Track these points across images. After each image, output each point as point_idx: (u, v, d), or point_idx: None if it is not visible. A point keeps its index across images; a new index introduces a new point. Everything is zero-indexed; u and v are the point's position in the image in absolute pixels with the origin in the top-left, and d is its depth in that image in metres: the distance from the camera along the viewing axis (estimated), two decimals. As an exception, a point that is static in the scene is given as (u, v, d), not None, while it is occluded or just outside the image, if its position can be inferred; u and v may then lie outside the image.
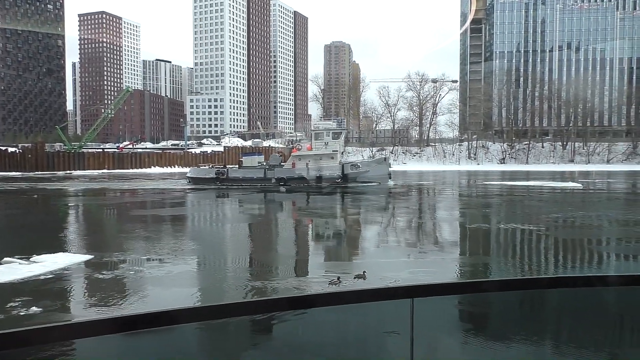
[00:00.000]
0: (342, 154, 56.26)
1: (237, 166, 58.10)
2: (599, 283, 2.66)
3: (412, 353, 2.22)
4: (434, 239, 20.49)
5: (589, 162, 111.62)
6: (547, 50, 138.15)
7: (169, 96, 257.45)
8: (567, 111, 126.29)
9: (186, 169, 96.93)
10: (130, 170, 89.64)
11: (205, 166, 62.02)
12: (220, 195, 42.96)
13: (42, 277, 12.11)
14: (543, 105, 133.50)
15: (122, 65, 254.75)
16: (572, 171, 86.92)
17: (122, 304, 10.51)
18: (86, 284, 12.49)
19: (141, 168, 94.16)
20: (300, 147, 53.52)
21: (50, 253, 14.26)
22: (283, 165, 52.32)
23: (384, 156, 63.05)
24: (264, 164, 54.09)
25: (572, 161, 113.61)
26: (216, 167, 55.81)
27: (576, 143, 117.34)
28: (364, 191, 43.62)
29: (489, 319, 2.77)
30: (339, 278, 12.12)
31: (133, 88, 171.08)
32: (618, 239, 19.69)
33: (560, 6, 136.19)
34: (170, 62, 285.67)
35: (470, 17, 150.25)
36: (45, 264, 13.04)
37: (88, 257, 14.60)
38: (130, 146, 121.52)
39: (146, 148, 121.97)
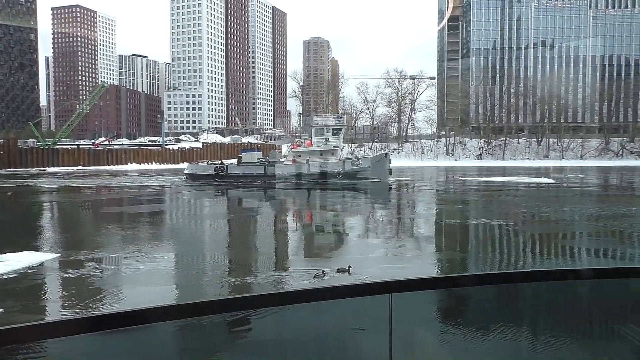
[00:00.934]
0: (342, 150, 55.90)
1: (235, 162, 57.17)
2: (572, 276, 2.70)
3: (390, 348, 2.23)
4: (417, 235, 20.57)
5: (563, 158, 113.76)
6: (523, 48, 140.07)
7: (145, 92, 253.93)
8: (542, 108, 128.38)
9: (163, 166, 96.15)
10: (107, 167, 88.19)
11: (203, 162, 60.72)
12: (221, 193, 42.41)
13: (4, 277, 11.77)
14: (519, 102, 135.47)
15: (97, 60, 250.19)
16: (547, 167, 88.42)
17: (85, 303, 10.27)
18: (49, 283, 12.18)
19: (117, 165, 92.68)
20: (300, 143, 53.08)
21: (16, 252, 13.88)
22: (282, 161, 51.87)
23: (384, 152, 63.22)
24: (263, 160, 53.52)
25: (546, 157, 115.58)
26: (214, 164, 54.92)
27: (551, 139, 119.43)
28: (364, 188, 43.52)
29: (467, 312, 2.79)
30: (323, 272, 12.07)
31: (109, 83, 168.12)
32: (588, 234, 20.05)
33: (535, 4, 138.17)
34: (147, 57, 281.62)
35: (447, 15, 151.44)
36: (9, 263, 12.69)
37: (54, 255, 14.25)
38: (106, 142, 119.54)
39: (122, 144, 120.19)
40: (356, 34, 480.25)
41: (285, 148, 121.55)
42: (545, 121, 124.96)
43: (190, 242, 18.67)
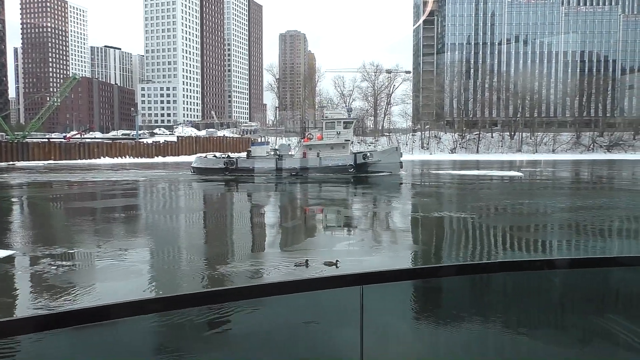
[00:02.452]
0: (352, 143, 55.37)
1: (244, 156, 56.38)
2: (549, 266, 2.72)
3: (361, 340, 2.24)
4: (394, 229, 20.74)
5: (536, 152, 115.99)
6: (497, 43, 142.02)
7: (118, 84, 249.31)
8: (515, 102, 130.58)
9: (138, 160, 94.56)
10: (79, 161, 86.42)
11: (210, 155, 59.43)
12: (234, 186, 41.94)
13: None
14: (492, 97, 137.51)
15: (68, 51, 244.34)
16: (521, 160, 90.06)
17: (36, 301, 10.06)
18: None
19: (90, 159, 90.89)
20: (311, 137, 52.57)
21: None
22: (292, 155, 51.44)
23: (395, 146, 63.01)
24: (273, 153, 52.94)
25: (519, 151, 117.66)
26: (224, 157, 54.21)
27: (524, 133, 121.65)
28: (375, 181, 43.44)
29: (441, 304, 2.79)
30: (307, 261, 12.04)
31: (80, 75, 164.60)
32: (551, 225, 20.51)
33: (509, 0, 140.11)
34: (119, 48, 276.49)
35: (424, 10, 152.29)
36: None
37: (9, 252, 13.91)
38: (78, 136, 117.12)
39: (95, 138, 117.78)
40: (333, 27, 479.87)
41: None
42: (519, 115, 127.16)
43: (161, 238, 18.48)
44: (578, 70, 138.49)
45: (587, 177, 56.49)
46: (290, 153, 52.28)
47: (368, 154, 50.98)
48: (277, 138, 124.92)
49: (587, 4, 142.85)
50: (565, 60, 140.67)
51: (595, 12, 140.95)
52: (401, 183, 42.91)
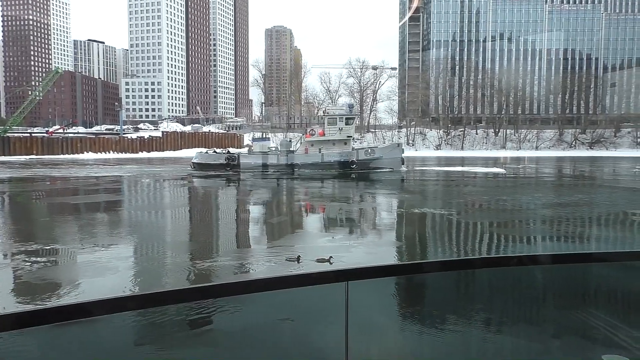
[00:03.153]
0: (354, 140, 55.60)
1: (245, 151, 56.09)
2: (532, 262, 2.77)
3: (346, 336, 2.24)
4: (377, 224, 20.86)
5: (519, 149, 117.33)
6: (481, 40, 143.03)
7: (102, 78, 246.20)
8: (500, 99, 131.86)
9: (122, 155, 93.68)
10: (61, 156, 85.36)
11: (210, 151, 59.03)
12: (232, 184, 41.64)
13: None
14: (477, 94, 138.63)
15: (50, 45, 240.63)
16: (505, 157, 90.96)
17: (7, 299, 9.96)
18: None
19: (73, 154, 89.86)
20: (313, 133, 52.34)
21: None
22: (294, 151, 51.47)
23: (397, 142, 63.14)
24: (274, 149, 52.81)
25: (504, 147, 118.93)
26: (225, 153, 53.91)
27: (508, 130, 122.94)
28: (377, 178, 43.35)
29: (424, 299, 2.82)
30: (299, 257, 12.02)
31: (63, 69, 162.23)
32: (527, 221, 20.80)
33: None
34: (103, 42, 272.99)
35: (410, 7, 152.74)
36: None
37: None
38: (61, 130, 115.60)
39: (78, 133, 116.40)
40: (319, 23, 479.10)
41: (247, 138, 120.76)
42: (503, 112, 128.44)
43: (129, 231, 18.39)
44: (561, 68, 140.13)
45: (568, 174, 57.29)
46: (291, 149, 52.24)
47: (369, 150, 51.09)
48: (263, 134, 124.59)
49: (571, 2, 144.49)
50: (548, 58, 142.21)
51: (579, 10, 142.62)
52: (403, 179, 43.20)
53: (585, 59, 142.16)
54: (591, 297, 2.96)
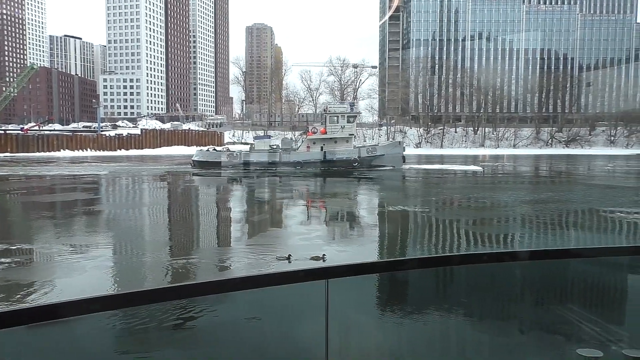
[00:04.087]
0: (355, 138, 55.83)
1: (241, 149, 56.13)
2: (510, 258, 2.80)
3: (327, 333, 2.25)
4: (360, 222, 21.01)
5: (498, 147, 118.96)
6: (461, 40, 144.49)
7: (79, 75, 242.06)
8: (479, 98, 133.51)
9: (99, 153, 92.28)
10: (37, 154, 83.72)
11: (210, 149, 58.67)
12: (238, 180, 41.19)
13: None
14: (456, 92, 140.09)
15: (25, 40, 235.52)
16: (485, 155, 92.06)
17: None
18: None
19: (49, 151, 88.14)
20: (315, 130, 52.40)
21: None
22: (295, 149, 51.71)
23: (398, 140, 63.54)
24: (275, 147, 52.78)
25: (482, 145, 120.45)
26: (225, 151, 54.07)
27: (486, 128, 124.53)
28: (379, 175, 43.48)
29: (404, 296, 2.85)
30: (290, 255, 12.05)
31: (39, 65, 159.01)
32: (490, 219, 21.19)
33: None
34: (80, 38, 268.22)
35: (390, 6, 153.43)
36: None
37: None
38: (37, 128, 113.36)
39: (54, 130, 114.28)
40: (300, 21, 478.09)
41: (227, 136, 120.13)
42: (482, 111, 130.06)
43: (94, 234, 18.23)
44: (538, 67, 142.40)
45: (543, 171, 58.30)
46: (292, 147, 52.39)
47: (371, 148, 51.51)
48: (244, 132, 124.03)
49: (547, 2, 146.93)
50: (526, 58, 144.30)
51: (555, 11, 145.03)
52: (404, 177, 43.68)
53: (561, 58, 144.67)
54: (567, 292, 3.02)
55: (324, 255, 12.20)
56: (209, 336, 2.24)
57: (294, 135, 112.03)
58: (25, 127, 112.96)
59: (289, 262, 11.83)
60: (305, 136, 53.80)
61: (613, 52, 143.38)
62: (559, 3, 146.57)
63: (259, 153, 50.96)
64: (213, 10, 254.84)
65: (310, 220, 21.14)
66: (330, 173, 45.94)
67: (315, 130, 52.45)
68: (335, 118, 50.89)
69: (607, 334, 2.77)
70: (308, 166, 48.66)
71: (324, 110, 54.49)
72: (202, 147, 63.65)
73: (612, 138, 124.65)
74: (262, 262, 12.26)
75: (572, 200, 27.05)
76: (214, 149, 57.19)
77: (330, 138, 50.43)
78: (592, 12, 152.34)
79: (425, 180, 41.30)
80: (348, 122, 51.05)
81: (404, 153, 51.66)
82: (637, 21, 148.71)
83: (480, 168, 53.78)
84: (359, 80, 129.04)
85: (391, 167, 48.77)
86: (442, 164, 58.33)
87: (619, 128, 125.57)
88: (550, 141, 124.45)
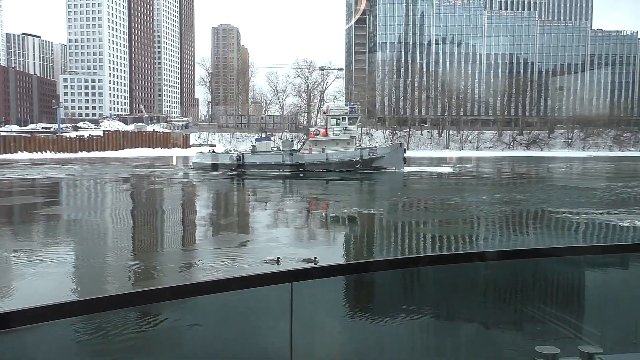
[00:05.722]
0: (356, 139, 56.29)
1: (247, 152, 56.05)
2: (475, 258, 2.85)
3: (291, 337, 2.25)
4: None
5: (462, 149, 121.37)
6: (426, 43, 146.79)
7: (38, 74, 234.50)
8: (443, 101, 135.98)
9: (59, 155, 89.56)
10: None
11: (210, 151, 58.12)
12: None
13: None
14: (422, 95, 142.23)
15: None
16: (452, 157, 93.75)
17: None
18: None
19: (6, 153, 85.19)
20: (317, 133, 52.54)
21: None
22: (297, 151, 52.03)
23: (399, 142, 64.37)
24: (277, 149, 53.23)
25: (447, 147, 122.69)
26: (224, 153, 54.39)
27: (451, 131, 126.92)
28: (378, 177, 43.61)
29: (371, 298, 2.86)
30: (278, 259, 11.97)
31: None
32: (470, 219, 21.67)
33: (437, 2, 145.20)
34: (39, 37, 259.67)
35: (357, 9, 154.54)
36: None
37: None
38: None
39: (11, 131, 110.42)
40: (266, 23, 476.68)
41: (193, 137, 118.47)
42: (446, 114, 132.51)
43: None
44: (500, 71, 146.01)
45: (507, 173, 59.79)
46: (293, 149, 52.86)
47: (372, 150, 52.14)
48: (210, 133, 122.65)
49: (508, 9, 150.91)
50: (488, 62, 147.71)
51: (516, 17, 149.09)
52: (404, 178, 44.30)
53: (522, 63, 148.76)
54: (529, 291, 3.07)
55: (315, 258, 12.12)
56: (172, 342, 2.21)
57: (279, 137, 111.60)
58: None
59: (278, 264, 11.78)
60: (307, 138, 54.58)
61: (570, 57, 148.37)
62: (519, 9, 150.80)
63: (260, 155, 51.39)
64: (178, 10, 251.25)
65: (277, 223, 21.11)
66: (332, 174, 46.49)
67: (317, 132, 53.00)
68: (337, 120, 51.47)
69: (565, 330, 2.84)
70: (310, 168, 49.05)
71: (324, 113, 55.38)
72: (202, 150, 63.49)
73: (570, 141, 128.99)
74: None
75: (536, 201, 27.88)
76: (213, 151, 57.63)
77: (332, 140, 50.94)
78: (550, 18, 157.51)
79: (420, 181, 41.98)
80: (350, 124, 51.76)
81: (405, 155, 52.68)
82: (592, 28, 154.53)
83: (452, 170, 54.96)
84: (325, 83, 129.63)
85: (392, 169, 49.60)
86: (419, 166, 59.07)
87: (575, 131, 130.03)
88: (512, 144, 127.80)
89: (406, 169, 51.26)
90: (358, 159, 49.59)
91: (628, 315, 3.10)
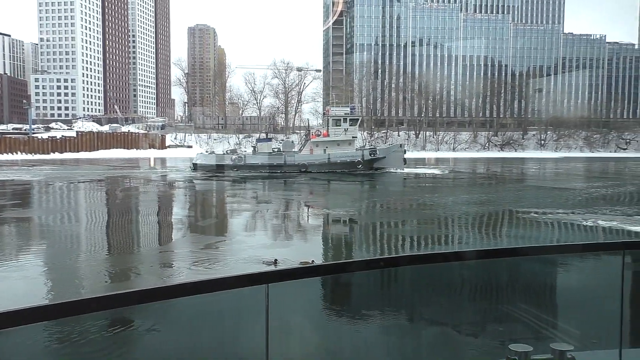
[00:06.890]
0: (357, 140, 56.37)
1: (248, 152, 55.81)
2: (453, 258, 2.86)
3: (267, 338, 2.24)
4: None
5: (438, 150, 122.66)
6: (403, 45, 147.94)
7: (8, 74, 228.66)
8: (420, 102, 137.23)
9: (30, 156, 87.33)
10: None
11: (212, 152, 57.44)
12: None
13: None
14: (399, 97, 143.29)
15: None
16: (430, 158, 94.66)
17: None
18: None
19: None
20: (319, 133, 52.72)
21: None
22: (298, 151, 52.09)
23: (399, 143, 64.92)
24: (277, 150, 53.09)
25: (424, 149, 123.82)
26: (227, 154, 53.98)
27: (427, 132, 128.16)
28: (382, 178, 43.60)
29: (348, 299, 2.85)
30: (275, 260, 11.90)
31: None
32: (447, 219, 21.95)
33: (413, 4, 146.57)
34: (9, 35, 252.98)
35: (334, 10, 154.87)
36: None
37: None
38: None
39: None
40: (243, 23, 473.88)
41: (169, 138, 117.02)
42: (423, 115, 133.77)
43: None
44: (476, 73, 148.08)
45: (482, 173, 60.70)
46: (294, 150, 53.12)
47: (375, 151, 52.32)
48: (186, 134, 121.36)
49: (483, 12, 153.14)
50: (464, 64, 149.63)
51: (490, 20, 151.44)
52: (405, 179, 44.81)
53: (497, 65, 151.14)
54: (504, 290, 3.11)
55: (312, 260, 12.07)
56: (146, 346, 2.19)
57: (238, 139, 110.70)
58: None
59: (275, 266, 11.71)
60: (308, 138, 54.54)
61: (543, 60, 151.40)
62: (493, 12, 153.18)
63: (262, 156, 51.45)
64: (153, 10, 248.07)
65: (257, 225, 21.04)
66: (333, 175, 46.84)
67: (319, 133, 53.32)
68: (338, 121, 51.65)
69: (538, 328, 2.89)
70: (312, 168, 49.19)
71: (324, 114, 55.71)
72: (203, 152, 62.83)
73: (543, 142, 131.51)
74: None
75: (510, 201, 28.37)
76: (213, 152, 57.40)
77: (333, 140, 51.19)
78: (523, 22, 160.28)
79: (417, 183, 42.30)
80: (351, 125, 52.05)
81: (405, 156, 53.14)
82: (564, 31, 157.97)
83: (440, 172, 55.71)
84: (303, 84, 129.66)
85: (393, 169, 50.14)
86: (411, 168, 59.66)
87: (548, 132, 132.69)
88: (487, 145, 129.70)
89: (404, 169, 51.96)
90: (359, 159, 50.09)
91: (600, 313, 3.15)
